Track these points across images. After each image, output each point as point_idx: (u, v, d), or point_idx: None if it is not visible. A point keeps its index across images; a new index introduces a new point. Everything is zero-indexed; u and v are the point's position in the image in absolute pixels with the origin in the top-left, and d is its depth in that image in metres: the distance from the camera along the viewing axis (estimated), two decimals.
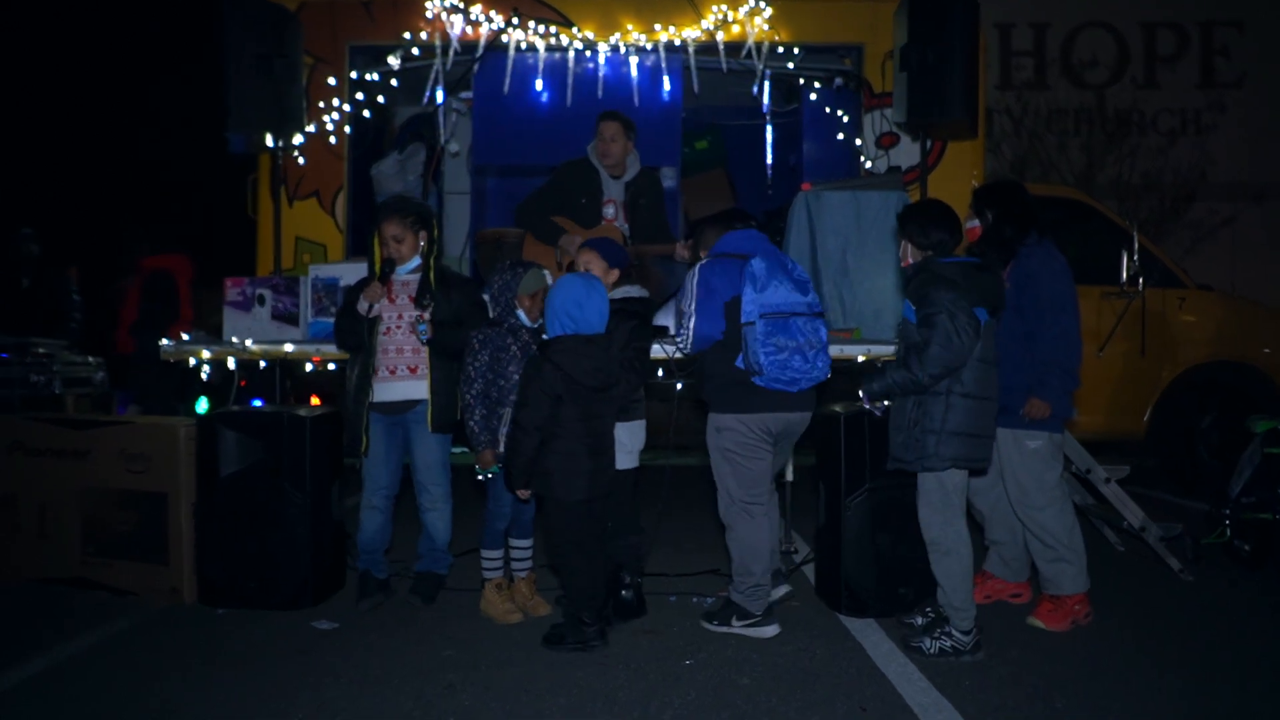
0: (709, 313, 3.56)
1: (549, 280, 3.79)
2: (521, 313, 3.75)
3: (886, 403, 3.52)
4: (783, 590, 3.83)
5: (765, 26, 5.63)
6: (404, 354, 3.93)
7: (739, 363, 3.53)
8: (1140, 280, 6.06)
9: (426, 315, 3.88)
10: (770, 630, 3.62)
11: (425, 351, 3.91)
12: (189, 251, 6.69)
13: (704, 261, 3.67)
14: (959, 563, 3.38)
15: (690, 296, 3.61)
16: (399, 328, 3.92)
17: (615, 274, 3.83)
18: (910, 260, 3.49)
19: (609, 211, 4.93)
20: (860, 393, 3.54)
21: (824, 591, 4.07)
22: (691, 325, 3.57)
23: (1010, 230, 3.79)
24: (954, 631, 3.36)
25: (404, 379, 3.92)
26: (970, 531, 3.53)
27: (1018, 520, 3.90)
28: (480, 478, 3.74)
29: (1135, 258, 5.93)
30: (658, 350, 4.05)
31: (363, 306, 3.87)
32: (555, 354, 3.41)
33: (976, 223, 3.79)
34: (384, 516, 4.03)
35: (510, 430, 3.55)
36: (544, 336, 3.64)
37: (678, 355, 3.63)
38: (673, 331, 3.76)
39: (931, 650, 3.35)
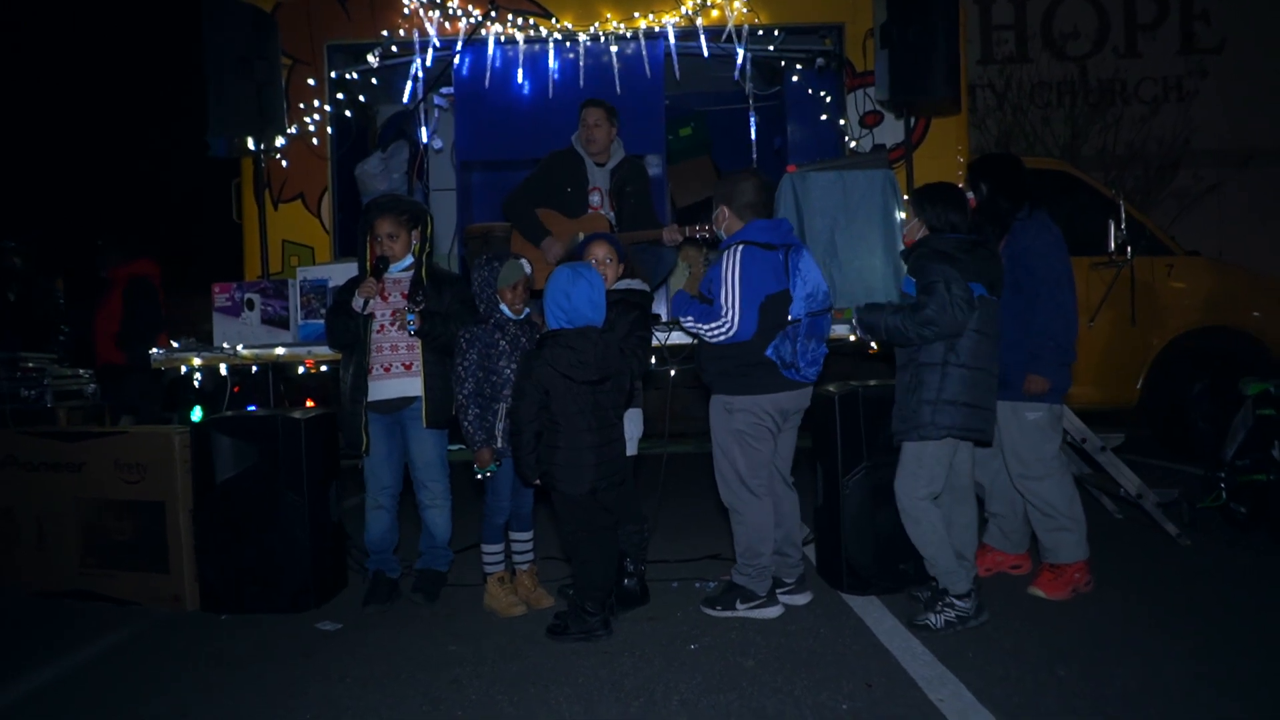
0: (749, 309, 3.50)
1: (527, 269, 3.78)
2: (505, 306, 3.74)
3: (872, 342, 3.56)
4: (806, 597, 3.84)
5: (744, 10, 5.61)
6: (399, 351, 3.92)
7: (769, 352, 3.53)
8: (1128, 249, 6.07)
9: (415, 307, 3.86)
10: (774, 611, 3.64)
11: (419, 348, 3.90)
12: (156, 256, 6.64)
13: (740, 249, 3.54)
14: (929, 527, 3.42)
15: (730, 286, 3.50)
16: (393, 325, 3.91)
17: (622, 267, 3.85)
18: (916, 238, 3.51)
19: (594, 199, 4.91)
20: (855, 316, 3.59)
21: (825, 571, 4.08)
22: (735, 320, 3.49)
23: (1004, 203, 3.80)
24: (954, 600, 3.39)
25: (399, 376, 3.91)
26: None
27: (1016, 493, 3.92)
28: (479, 476, 3.74)
29: (1123, 227, 5.95)
30: (658, 337, 4.04)
31: (358, 303, 3.85)
32: (546, 349, 3.41)
33: (970, 195, 3.80)
34: (390, 516, 4.03)
35: (508, 426, 3.55)
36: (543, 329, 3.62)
37: (719, 337, 3.57)
38: (681, 315, 3.71)
39: (938, 625, 3.38)
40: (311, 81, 5.65)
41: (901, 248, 3.71)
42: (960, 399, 3.33)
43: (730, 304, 3.50)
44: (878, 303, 3.58)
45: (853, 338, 4.42)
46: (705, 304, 3.62)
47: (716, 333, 3.55)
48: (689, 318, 3.65)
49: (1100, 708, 2.74)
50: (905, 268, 3.55)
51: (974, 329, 3.35)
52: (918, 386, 3.37)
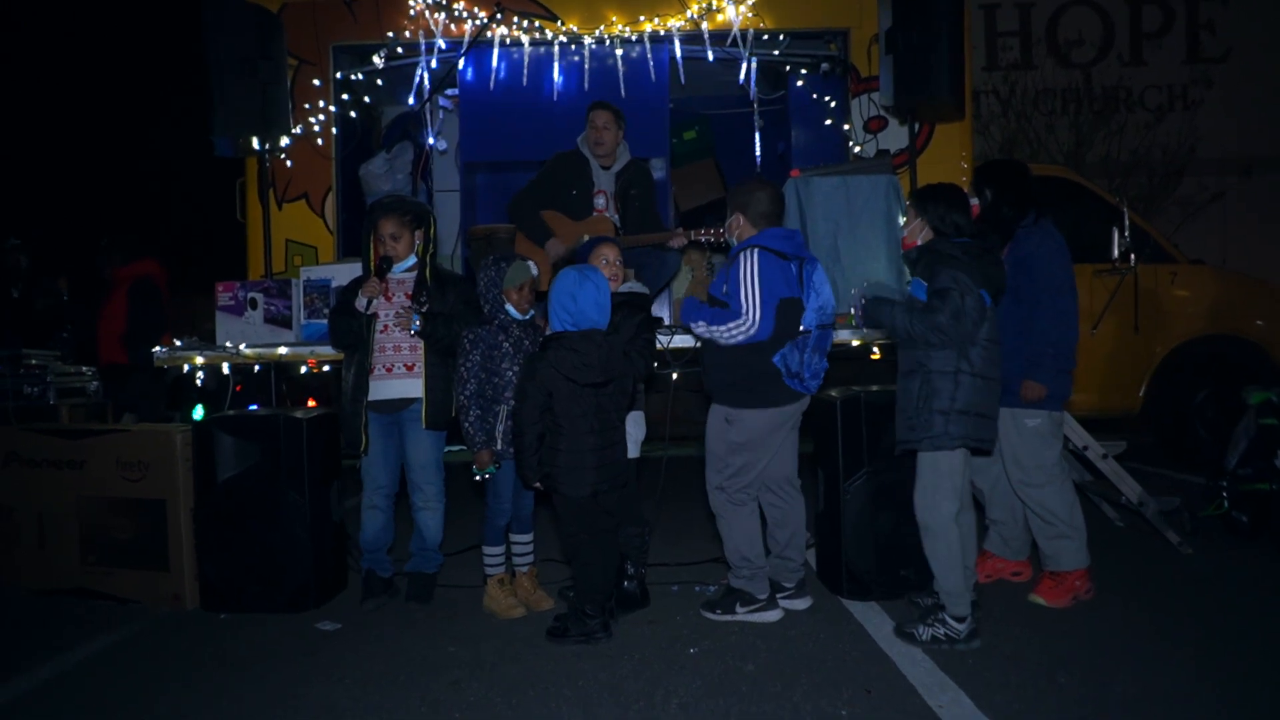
0: (769, 309, 3.50)
1: (534, 271, 3.78)
2: (510, 307, 3.74)
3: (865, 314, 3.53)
4: (806, 602, 3.83)
5: (750, 14, 5.62)
6: (401, 351, 3.92)
7: (775, 360, 3.53)
8: (1132, 256, 6.07)
9: (419, 308, 3.87)
10: (774, 615, 3.63)
11: (422, 348, 3.91)
12: (160, 255, 6.64)
13: (756, 251, 3.54)
14: (947, 547, 3.36)
15: (749, 286, 3.49)
16: (397, 325, 3.92)
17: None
18: (919, 242, 3.49)
19: (599, 202, 4.92)
20: (859, 303, 3.54)
21: (825, 576, 4.08)
22: (757, 319, 3.48)
23: (1008, 210, 3.79)
24: (948, 619, 3.34)
25: (400, 376, 3.91)
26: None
27: (1017, 499, 3.91)
28: (478, 478, 3.74)
29: (1126, 234, 5.95)
30: (661, 340, 4.05)
31: (361, 303, 3.86)
32: (550, 351, 3.41)
33: (975, 201, 3.79)
34: (385, 516, 4.03)
35: (510, 428, 3.56)
36: (546, 332, 3.62)
37: (738, 336, 3.54)
38: (693, 320, 3.71)
39: (923, 636, 3.33)
40: (317, 82, 5.66)
41: (902, 251, 3.68)
42: (973, 409, 3.30)
43: (751, 303, 3.49)
44: (886, 298, 3.53)
45: (856, 342, 4.43)
46: (717, 307, 3.62)
47: (735, 332, 3.52)
48: (700, 322, 3.63)
49: (1100, 714, 2.74)
50: (908, 271, 3.54)
51: (984, 337, 3.33)
52: (931, 395, 3.31)
